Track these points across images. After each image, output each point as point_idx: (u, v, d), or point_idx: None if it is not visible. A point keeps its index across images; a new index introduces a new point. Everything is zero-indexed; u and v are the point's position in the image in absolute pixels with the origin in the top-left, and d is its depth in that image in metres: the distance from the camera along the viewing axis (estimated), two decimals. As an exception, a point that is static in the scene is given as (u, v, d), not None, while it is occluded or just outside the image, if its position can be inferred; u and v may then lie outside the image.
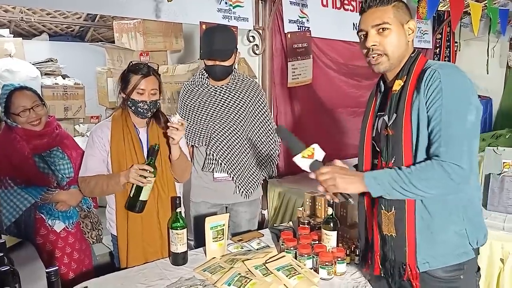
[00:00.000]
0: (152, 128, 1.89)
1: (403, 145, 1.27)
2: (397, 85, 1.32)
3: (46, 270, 1.10)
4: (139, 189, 1.74)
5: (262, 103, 2.27)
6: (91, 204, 2.21)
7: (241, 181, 2.22)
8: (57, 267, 1.12)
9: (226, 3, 2.95)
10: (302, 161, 1.36)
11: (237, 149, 2.20)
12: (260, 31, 3.26)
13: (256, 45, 3.27)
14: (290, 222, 2.27)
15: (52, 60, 4.11)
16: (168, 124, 1.78)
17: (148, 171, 1.71)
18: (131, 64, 1.83)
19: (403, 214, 1.29)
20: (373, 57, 1.33)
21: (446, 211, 1.28)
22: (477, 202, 1.36)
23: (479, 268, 1.37)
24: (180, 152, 1.89)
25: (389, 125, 1.31)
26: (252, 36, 3.22)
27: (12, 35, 4.21)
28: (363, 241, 1.51)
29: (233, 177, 2.21)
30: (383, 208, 1.34)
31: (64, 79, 4.02)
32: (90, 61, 4.77)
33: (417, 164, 1.24)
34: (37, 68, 3.81)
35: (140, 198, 1.75)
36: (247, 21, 3.10)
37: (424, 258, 1.30)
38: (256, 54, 3.30)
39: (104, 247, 2.69)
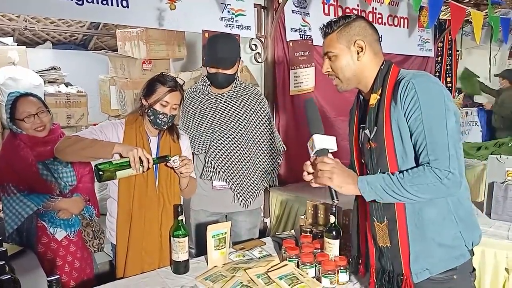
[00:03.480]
0: (164, 140, 1.89)
1: (387, 157, 1.29)
2: (373, 99, 1.35)
3: (47, 279, 1.10)
4: (124, 167, 1.62)
5: (263, 112, 2.26)
6: (93, 213, 2.20)
7: (239, 190, 2.20)
8: (58, 276, 1.11)
9: (228, 11, 2.97)
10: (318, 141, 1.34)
11: (236, 158, 2.19)
12: (262, 40, 3.28)
13: (258, 53, 3.28)
14: (292, 231, 2.26)
15: (55, 68, 4.13)
16: (175, 168, 1.78)
17: (148, 162, 1.63)
18: (161, 74, 1.83)
19: (395, 224, 1.31)
20: (333, 80, 1.44)
21: (439, 215, 1.30)
22: (467, 202, 1.36)
23: (474, 269, 1.38)
24: (189, 179, 1.91)
25: (371, 138, 1.34)
26: (255, 44, 3.24)
27: (16, 44, 4.24)
28: (355, 250, 1.53)
29: (231, 186, 2.20)
30: (376, 220, 1.36)
31: (67, 87, 4.03)
32: (93, 69, 4.79)
33: (409, 169, 1.26)
34: (40, 76, 3.82)
35: (117, 173, 1.61)
36: (250, 29, 3.12)
37: (423, 266, 1.30)
38: (258, 62, 3.31)
39: (106, 256, 2.68)
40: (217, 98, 2.17)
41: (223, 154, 2.16)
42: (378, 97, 1.33)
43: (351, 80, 1.40)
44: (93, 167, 1.67)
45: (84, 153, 1.68)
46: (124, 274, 1.80)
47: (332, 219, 1.74)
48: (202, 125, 2.18)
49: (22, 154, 1.99)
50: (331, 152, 1.35)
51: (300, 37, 3.43)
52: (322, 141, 1.34)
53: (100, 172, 1.58)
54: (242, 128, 2.18)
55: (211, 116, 2.17)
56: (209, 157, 2.17)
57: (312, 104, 1.45)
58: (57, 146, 1.73)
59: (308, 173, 1.35)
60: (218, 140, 2.16)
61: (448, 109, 1.23)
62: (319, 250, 1.75)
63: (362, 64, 1.38)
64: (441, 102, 1.24)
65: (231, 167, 2.17)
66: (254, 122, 2.23)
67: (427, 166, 1.22)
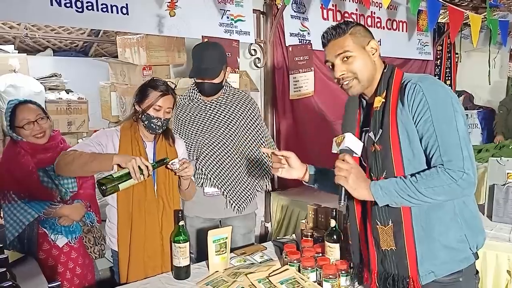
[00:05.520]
0: (160, 144, 1.90)
1: (393, 159, 1.29)
2: (378, 102, 1.35)
3: (49, 286, 1.10)
4: (125, 178, 1.66)
5: (254, 116, 2.26)
6: (95, 219, 2.20)
7: (232, 195, 2.20)
8: (59, 283, 1.11)
9: (228, 17, 2.99)
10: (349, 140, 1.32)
11: (227, 164, 2.18)
12: (262, 45, 3.30)
13: (258, 58, 3.30)
14: (293, 235, 2.25)
15: (56, 75, 4.15)
16: (176, 171, 1.81)
17: (148, 169, 1.67)
18: (152, 79, 1.85)
19: (401, 226, 1.30)
20: (345, 83, 1.37)
21: (445, 216, 1.30)
22: (471, 204, 1.36)
23: (477, 271, 1.39)
24: (190, 181, 1.93)
25: (375, 141, 1.33)
26: (254, 50, 3.25)
27: (17, 51, 4.26)
28: (357, 257, 1.51)
29: (223, 192, 2.19)
30: (379, 223, 1.34)
31: (68, 93, 4.05)
32: (94, 76, 4.80)
33: (421, 172, 1.25)
34: (41, 83, 3.84)
35: (120, 186, 1.66)
36: (249, 34, 3.13)
37: (428, 269, 1.30)
38: (258, 67, 3.32)
39: (107, 262, 2.67)
40: (206, 105, 2.18)
41: (214, 160, 2.17)
42: (383, 100, 1.33)
43: (368, 81, 1.38)
44: (95, 182, 1.71)
45: (85, 169, 1.73)
46: (127, 280, 1.79)
47: (333, 223, 1.74)
48: (192, 132, 2.19)
49: (22, 162, 2.00)
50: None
51: (299, 42, 3.45)
52: (352, 142, 1.32)
53: (103, 187, 1.62)
54: (232, 134, 2.18)
55: (201, 123, 2.18)
56: (199, 164, 2.18)
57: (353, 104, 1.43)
58: (57, 164, 1.76)
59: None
60: (208, 147, 2.17)
61: (456, 111, 1.24)
62: (320, 254, 1.74)
63: (375, 65, 1.38)
64: (449, 104, 1.25)
65: (222, 173, 2.18)
66: (245, 127, 2.23)
67: (440, 168, 1.22)
